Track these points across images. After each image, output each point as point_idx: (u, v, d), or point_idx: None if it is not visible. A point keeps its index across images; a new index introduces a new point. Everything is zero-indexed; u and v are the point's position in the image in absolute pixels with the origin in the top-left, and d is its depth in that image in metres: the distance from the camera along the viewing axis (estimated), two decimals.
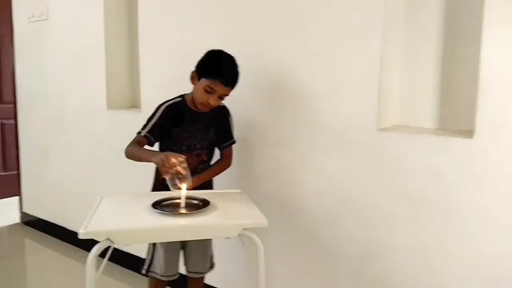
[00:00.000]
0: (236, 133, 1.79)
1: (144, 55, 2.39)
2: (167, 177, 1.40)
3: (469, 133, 1.43)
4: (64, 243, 3.05)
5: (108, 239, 1.21)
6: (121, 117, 2.60)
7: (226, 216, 1.36)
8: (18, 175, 3.52)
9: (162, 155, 1.40)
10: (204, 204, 1.42)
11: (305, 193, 1.80)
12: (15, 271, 2.77)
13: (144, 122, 1.68)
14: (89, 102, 2.76)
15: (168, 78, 2.27)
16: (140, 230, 1.24)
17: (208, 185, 1.76)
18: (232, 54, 1.60)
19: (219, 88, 1.56)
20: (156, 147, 1.71)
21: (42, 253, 3.04)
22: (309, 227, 1.80)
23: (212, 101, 1.59)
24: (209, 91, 1.57)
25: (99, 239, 1.22)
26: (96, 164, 2.79)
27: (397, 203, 1.55)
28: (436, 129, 1.61)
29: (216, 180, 1.80)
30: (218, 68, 1.56)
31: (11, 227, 3.51)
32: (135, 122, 2.38)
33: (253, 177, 1.97)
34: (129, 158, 1.60)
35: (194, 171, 1.67)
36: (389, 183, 1.56)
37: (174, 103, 1.69)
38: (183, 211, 1.38)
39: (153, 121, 1.65)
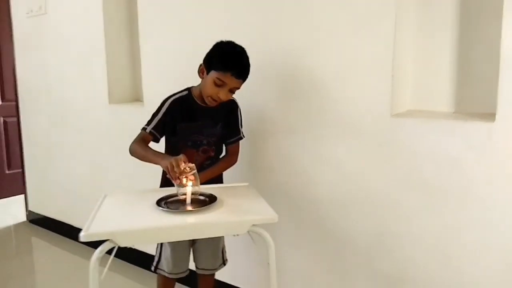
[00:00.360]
0: (243, 125, 1.72)
1: (145, 47, 2.32)
2: (175, 183, 1.35)
3: (490, 116, 1.33)
4: (71, 241, 3.01)
5: (111, 240, 1.15)
6: (123, 112, 2.54)
7: (234, 212, 1.29)
8: (22, 173, 3.49)
9: (172, 159, 1.34)
10: (210, 200, 1.36)
11: (315, 185, 1.73)
12: (23, 270, 2.74)
13: (148, 117, 1.61)
14: (91, 97, 2.70)
15: (171, 71, 2.20)
16: (144, 230, 1.18)
17: (217, 180, 1.69)
18: (242, 45, 1.53)
19: (230, 80, 1.49)
20: (162, 142, 1.64)
21: (49, 251, 3.01)
22: (320, 219, 1.74)
23: (222, 95, 1.51)
24: (219, 84, 1.49)
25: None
26: (100, 160, 2.74)
27: (413, 193, 1.48)
28: (453, 112, 1.53)
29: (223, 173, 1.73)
30: (228, 59, 1.48)
31: (18, 226, 3.48)
32: (138, 116, 2.32)
33: (261, 169, 1.90)
34: (135, 157, 1.53)
35: (200, 167, 1.61)
36: (404, 172, 1.49)
37: (180, 97, 1.62)
38: (189, 208, 1.32)
39: (158, 117, 1.58)
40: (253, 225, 1.23)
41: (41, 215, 3.35)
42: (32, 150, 3.34)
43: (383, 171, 1.53)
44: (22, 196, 3.56)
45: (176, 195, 1.40)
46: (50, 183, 3.20)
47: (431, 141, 1.42)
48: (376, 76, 1.52)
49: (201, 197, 1.38)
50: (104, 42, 2.54)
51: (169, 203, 1.36)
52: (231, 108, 1.66)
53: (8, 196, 3.92)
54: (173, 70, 2.18)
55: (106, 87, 2.58)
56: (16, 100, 3.39)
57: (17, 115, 3.40)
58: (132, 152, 1.54)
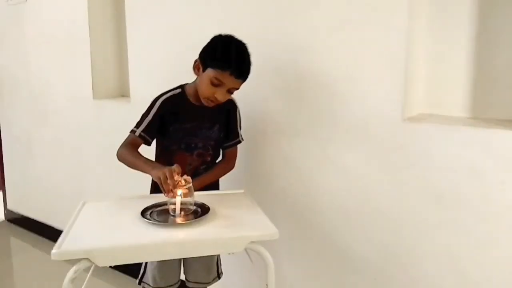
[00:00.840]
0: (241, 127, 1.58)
1: (133, 37, 2.18)
2: (167, 196, 1.20)
3: (510, 122, 1.22)
4: (52, 242, 2.83)
5: (87, 259, 0.99)
6: (108, 107, 2.38)
7: (230, 226, 1.15)
8: (1, 169, 3.30)
9: (165, 170, 1.19)
10: (202, 210, 1.21)
11: (319, 193, 1.59)
12: (0, 272, 2.59)
13: (135, 114, 1.47)
14: (74, 91, 2.54)
15: (161, 64, 2.07)
16: (125, 248, 1.03)
17: (214, 185, 1.56)
18: (244, 41, 1.38)
19: (229, 80, 1.34)
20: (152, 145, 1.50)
21: (28, 253, 2.86)
22: (324, 230, 1.60)
23: (220, 95, 1.37)
24: (216, 83, 1.34)
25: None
26: (83, 159, 2.57)
27: (427, 205, 1.34)
28: (469, 118, 1.40)
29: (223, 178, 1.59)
30: (227, 57, 1.33)
31: None
32: (123, 113, 2.18)
33: (258, 174, 1.76)
34: (123, 163, 1.40)
35: (194, 173, 1.48)
36: (417, 181, 1.35)
37: (172, 95, 1.47)
38: (178, 220, 1.17)
39: (148, 118, 1.43)
40: (251, 241, 1.09)
41: (20, 215, 3.18)
42: (11, 145, 3.17)
43: (395, 180, 1.40)
44: (0, 193, 3.38)
45: (164, 204, 1.25)
46: (30, 181, 3.04)
47: (448, 149, 1.29)
48: (386, 74, 1.38)
49: (192, 207, 1.23)
50: (88, 32, 2.39)
51: (156, 214, 1.21)
52: (229, 108, 1.51)
53: None
54: (163, 63, 2.04)
55: (90, 81, 2.42)
56: None
57: None
58: (120, 158, 1.40)
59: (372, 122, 1.42)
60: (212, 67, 1.33)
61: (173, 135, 1.46)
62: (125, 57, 2.33)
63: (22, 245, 3.00)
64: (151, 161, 1.35)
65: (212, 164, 1.54)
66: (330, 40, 1.49)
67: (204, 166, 1.51)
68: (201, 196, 1.28)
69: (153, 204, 1.25)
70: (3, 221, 3.37)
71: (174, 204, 1.20)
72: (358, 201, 1.49)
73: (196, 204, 1.25)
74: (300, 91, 1.59)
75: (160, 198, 1.25)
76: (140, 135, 1.42)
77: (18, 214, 3.21)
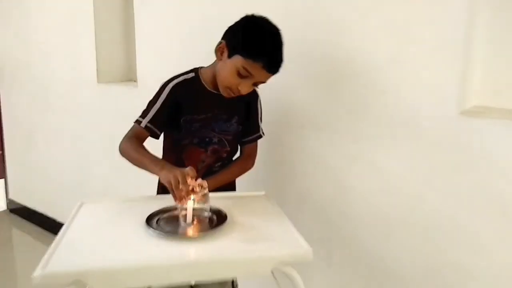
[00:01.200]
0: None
1: (141, 17, 1.99)
2: (177, 203, 1.01)
3: None
4: (53, 235, 2.67)
5: (78, 280, 0.80)
6: (114, 92, 2.20)
7: (253, 240, 0.94)
8: (2, 156, 3.14)
9: (177, 173, 1.00)
10: (219, 218, 1.01)
11: (353, 197, 1.38)
12: (1, 265, 2.47)
13: (143, 101, 1.27)
14: (77, 75, 2.36)
15: (171, 46, 1.88)
16: (125, 270, 0.83)
17: (229, 186, 1.36)
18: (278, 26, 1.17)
19: (259, 73, 1.14)
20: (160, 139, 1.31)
21: (30, 246, 2.71)
22: (356, 240, 1.39)
23: (244, 88, 1.17)
24: (244, 75, 1.14)
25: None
26: (87, 147, 2.39)
27: (485, 215, 1.13)
28: None
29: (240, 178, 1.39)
30: (262, 46, 1.13)
31: None
32: (130, 98, 1.99)
33: (281, 174, 1.56)
34: (126, 159, 1.20)
35: (207, 171, 1.29)
36: (474, 186, 1.14)
37: (184, 80, 1.26)
38: (190, 232, 0.97)
39: (156, 106, 1.23)
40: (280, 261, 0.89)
41: (22, 205, 3.03)
42: (12, 131, 3.01)
43: (447, 185, 1.18)
44: (2, 181, 3.24)
45: (173, 209, 1.07)
46: (31, 170, 2.89)
47: None
48: (440, 60, 1.16)
49: (206, 213, 1.04)
50: (93, 10, 2.19)
51: (163, 221, 1.02)
52: (251, 98, 1.30)
53: None
54: (175, 44, 1.86)
55: (94, 63, 2.22)
56: None
57: None
58: (123, 153, 1.20)
59: (420, 116, 1.21)
60: (243, 55, 1.12)
61: (184, 128, 1.26)
62: (132, 37, 2.15)
63: (23, 237, 2.86)
64: (160, 159, 1.15)
65: (228, 162, 1.34)
66: (368, 16, 1.27)
67: (219, 164, 1.32)
68: (216, 199, 1.07)
69: (160, 210, 1.06)
70: (4, 211, 3.22)
71: (186, 209, 1.00)
72: (400, 208, 1.28)
73: (211, 210, 1.05)
74: (333, 79, 1.38)
75: (168, 200, 1.05)
76: (146, 127, 1.21)
77: (20, 204, 3.06)
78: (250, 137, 1.35)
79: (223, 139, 1.29)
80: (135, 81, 2.19)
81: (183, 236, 0.96)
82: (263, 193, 1.24)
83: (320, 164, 1.45)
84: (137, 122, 1.23)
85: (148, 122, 1.22)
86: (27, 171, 2.93)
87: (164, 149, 1.34)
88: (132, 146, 1.18)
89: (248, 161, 1.37)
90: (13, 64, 2.83)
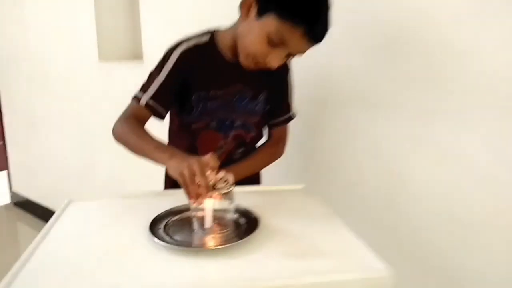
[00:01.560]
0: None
1: None
2: (192, 202, 0.74)
3: None
4: None
5: None
6: (117, 72, 1.96)
7: (300, 255, 0.67)
8: (4, 146, 2.93)
9: (192, 163, 0.73)
10: (248, 223, 0.75)
11: (417, 192, 1.09)
12: (5, 261, 2.23)
13: (145, 78, 0.99)
14: (76, 53, 2.11)
15: (180, 19, 1.64)
16: None
17: (253, 179, 1.10)
18: None
19: (298, 42, 0.85)
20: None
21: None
22: (421, 248, 1.10)
23: (275, 59, 0.89)
24: (276, 42, 0.86)
25: None
26: (89, 134, 2.16)
27: None
28: None
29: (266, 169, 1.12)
30: (307, 6, 0.83)
31: (1, 209, 2.97)
32: (136, 79, 1.72)
33: (320, 164, 1.28)
34: (122, 145, 0.93)
35: (228, 160, 1.03)
36: None
37: (196, 45, 0.97)
38: (209, 242, 0.70)
39: (160, 78, 0.95)
40: None
41: (25, 198, 2.83)
42: (12, 119, 2.79)
43: None
44: (5, 173, 3.06)
45: (186, 209, 0.80)
46: (34, 159, 2.70)
47: None
48: None
49: (230, 215, 0.77)
50: None
51: (173, 227, 0.76)
52: (281, 71, 1.01)
53: None
54: (185, 16, 1.61)
55: (95, 39, 1.95)
56: None
57: None
58: (118, 137, 0.94)
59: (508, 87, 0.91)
60: (280, 15, 0.83)
61: (197, 107, 0.98)
62: (137, 8, 1.89)
63: (28, 232, 2.66)
64: (167, 145, 0.88)
65: (251, 148, 1.08)
66: None
67: (241, 150, 1.05)
68: (241, 195, 0.80)
69: (169, 211, 0.80)
70: (9, 204, 3.02)
71: (203, 211, 0.73)
72: (486, 208, 0.99)
73: (237, 211, 0.78)
74: (388, 41, 1.08)
75: (180, 196, 0.78)
76: (147, 105, 0.94)
77: (23, 197, 2.86)
78: (281, 118, 1.09)
79: (248, 122, 1.03)
80: (140, 58, 1.94)
81: (200, 249, 0.70)
82: (301, 186, 0.97)
83: (371, 149, 1.15)
84: (136, 99, 0.96)
85: (150, 98, 0.94)
86: (30, 162, 2.73)
87: (171, 134, 1.09)
88: (130, 129, 0.91)
89: (278, 147, 1.10)
90: (9, 46, 2.61)
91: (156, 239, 0.69)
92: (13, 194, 2.98)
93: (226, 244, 0.68)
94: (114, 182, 2.10)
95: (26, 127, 2.65)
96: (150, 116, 0.96)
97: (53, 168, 2.53)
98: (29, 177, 2.80)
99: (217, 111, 0.99)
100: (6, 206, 3.01)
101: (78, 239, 0.74)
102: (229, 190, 0.74)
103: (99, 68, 1.99)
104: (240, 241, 0.68)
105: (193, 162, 0.73)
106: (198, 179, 0.71)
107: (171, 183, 1.06)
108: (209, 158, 0.74)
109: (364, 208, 1.19)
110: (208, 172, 0.72)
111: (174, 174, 0.75)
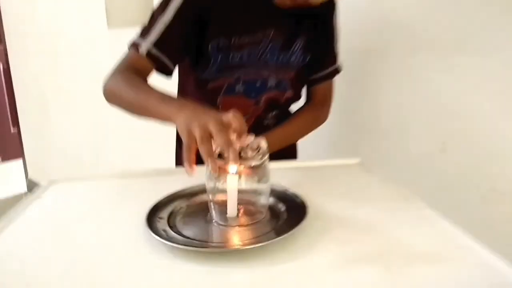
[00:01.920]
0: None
1: None
2: (213, 173, 0.50)
3: None
4: None
5: None
6: (128, 39, 1.68)
7: (377, 260, 0.42)
8: (18, 133, 2.77)
9: (207, 118, 0.50)
10: (291, 211, 0.50)
11: None
12: None
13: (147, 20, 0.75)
14: (84, 20, 1.88)
15: None
16: None
17: (288, 151, 0.85)
18: None
19: None
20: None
21: None
22: None
23: None
24: None
25: None
26: (105, 113, 1.93)
27: None
28: None
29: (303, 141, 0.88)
30: None
31: (17, 199, 2.82)
32: None
33: (371, 130, 1.01)
34: (114, 104, 0.70)
35: (258, 126, 0.80)
36: None
37: None
38: (235, 239, 0.47)
39: (165, 19, 0.71)
40: None
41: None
42: (24, 103, 2.63)
43: None
44: (20, 161, 2.89)
45: (198, 191, 0.58)
46: (48, 145, 2.54)
47: None
48: None
49: (264, 200, 0.52)
50: None
51: (182, 218, 0.53)
52: (324, 10, 0.78)
53: (6, 160, 3.22)
54: None
55: (103, 4, 1.73)
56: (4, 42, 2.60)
57: (7, 60, 2.63)
58: (110, 93, 0.70)
59: None
60: None
61: (217, 59, 0.74)
62: None
63: None
64: (172, 97, 0.62)
65: (285, 113, 0.84)
66: None
67: (274, 113, 0.80)
68: (276, 172, 0.55)
69: (176, 194, 0.56)
70: (25, 193, 2.87)
71: (223, 192, 0.49)
72: None
73: (273, 192, 0.54)
74: None
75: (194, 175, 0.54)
76: (149, 54, 0.70)
77: (40, 186, 2.69)
78: (324, 72, 0.84)
79: (284, 79, 0.78)
80: None
81: (221, 249, 0.46)
82: (357, 160, 0.72)
83: (453, 111, 0.88)
84: (134, 46, 0.72)
85: (153, 45, 0.70)
86: (43, 146, 2.57)
87: (183, 96, 0.84)
88: (125, 81, 0.68)
89: (321, 110, 0.87)
90: (17, 21, 2.42)
91: (155, 235, 0.46)
92: (30, 182, 2.84)
93: (259, 243, 0.44)
94: (130, 164, 1.90)
95: (38, 111, 2.48)
96: (152, 70, 0.72)
97: (68, 154, 2.36)
98: (44, 164, 2.64)
99: (242, 65, 0.75)
100: (22, 195, 2.87)
101: (52, 236, 0.51)
102: (262, 161, 0.50)
103: (109, 36, 1.77)
104: (279, 237, 0.44)
105: (209, 119, 0.49)
106: (216, 139, 0.47)
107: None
108: (233, 116, 0.50)
109: (435, 187, 0.91)
110: (231, 132, 0.48)
111: (182, 133, 0.51)
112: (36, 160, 2.74)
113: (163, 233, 0.47)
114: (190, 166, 0.48)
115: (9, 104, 2.74)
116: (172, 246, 0.44)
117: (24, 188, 2.89)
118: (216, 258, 0.43)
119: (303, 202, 0.52)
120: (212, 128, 0.48)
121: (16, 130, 2.82)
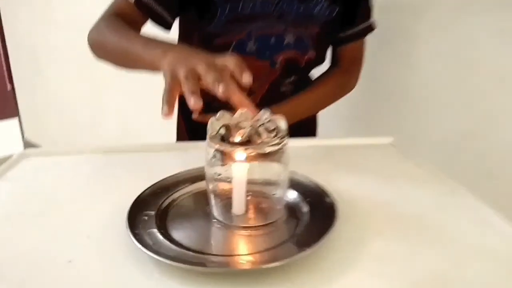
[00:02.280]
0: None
1: None
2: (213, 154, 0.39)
3: None
4: None
5: None
6: None
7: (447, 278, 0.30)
8: (13, 91, 2.65)
9: (197, 59, 0.41)
10: (315, 208, 0.39)
11: None
12: None
13: None
14: None
15: None
16: None
17: (309, 126, 0.75)
18: None
19: None
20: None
21: None
22: None
23: None
24: None
25: None
26: (98, 72, 1.80)
27: None
28: None
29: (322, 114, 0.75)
30: None
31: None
32: None
33: (415, 102, 0.88)
34: (97, 54, 0.60)
35: (272, 94, 0.68)
36: None
37: None
38: (242, 250, 0.35)
39: None
40: None
41: (39, 147, 2.56)
42: (17, 59, 2.48)
43: None
44: (16, 120, 2.79)
45: (197, 176, 0.46)
46: (42, 105, 2.42)
47: None
48: None
49: (279, 191, 0.40)
50: None
51: (172, 215, 0.42)
52: None
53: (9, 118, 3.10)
54: None
55: None
56: None
57: None
58: (94, 41, 0.60)
59: None
60: None
61: (224, 10, 0.61)
62: None
63: None
64: (160, 41, 0.50)
65: (305, 79, 0.73)
66: None
67: (292, 79, 0.68)
68: (292, 151, 0.41)
69: (168, 178, 0.46)
70: (23, 154, 2.78)
71: (228, 181, 0.39)
72: None
73: (293, 184, 0.41)
74: None
75: (195, 152, 0.44)
76: (140, 2, 0.58)
77: (37, 146, 2.59)
78: (355, 30, 0.70)
79: (304, 36, 0.64)
80: None
81: (223, 269, 0.34)
82: (390, 139, 0.60)
83: (494, 84, 0.74)
84: None
85: None
86: (38, 106, 2.46)
87: None
88: (108, 27, 0.57)
89: (350, 75, 0.74)
90: None
91: (138, 244, 0.34)
92: (26, 142, 2.74)
93: (275, 259, 0.32)
94: (126, 131, 1.80)
95: (31, 67, 2.34)
96: (144, 21, 0.59)
97: (61, 114, 2.27)
98: (40, 124, 2.53)
99: (253, 17, 0.62)
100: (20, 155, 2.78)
101: (13, 233, 0.40)
102: (280, 146, 0.37)
103: None
104: (305, 251, 0.32)
105: (198, 61, 0.40)
106: (207, 77, 0.39)
107: (185, 128, 0.71)
108: (230, 59, 0.39)
109: (474, 170, 0.79)
110: (228, 75, 0.38)
111: (164, 75, 0.42)
112: (31, 121, 2.64)
113: (148, 241, 0.35)
114: (169, 108, 0.39)
115: (4, 60, 2.61)
116: (157, 259, 0.32)
117: (21, 148, 2.80)
118: (216, 278, 0.32)
119: (332, 203, 0.40)
120: (201, 69, 0.39)
121: (11, 88, 2.70)
